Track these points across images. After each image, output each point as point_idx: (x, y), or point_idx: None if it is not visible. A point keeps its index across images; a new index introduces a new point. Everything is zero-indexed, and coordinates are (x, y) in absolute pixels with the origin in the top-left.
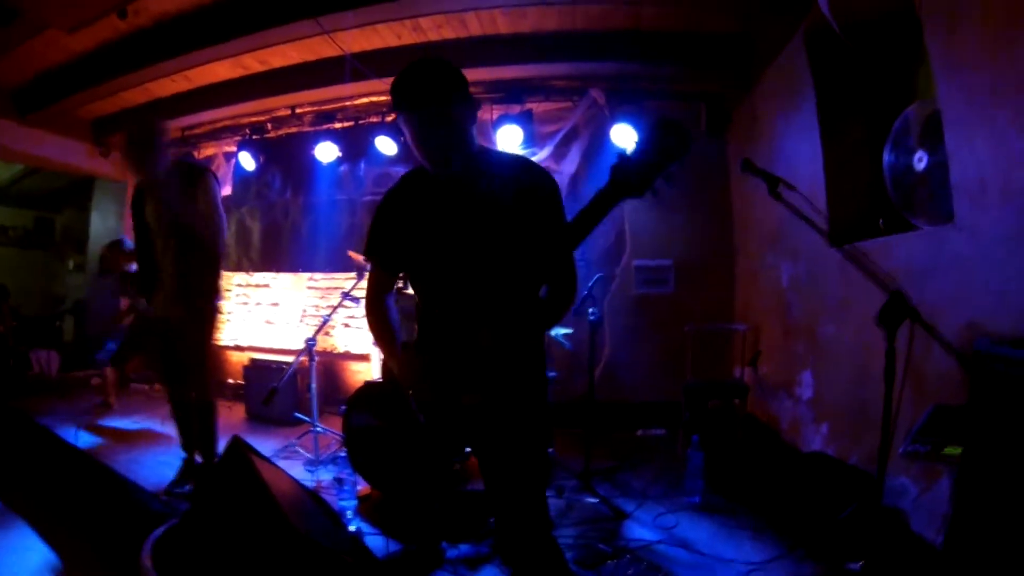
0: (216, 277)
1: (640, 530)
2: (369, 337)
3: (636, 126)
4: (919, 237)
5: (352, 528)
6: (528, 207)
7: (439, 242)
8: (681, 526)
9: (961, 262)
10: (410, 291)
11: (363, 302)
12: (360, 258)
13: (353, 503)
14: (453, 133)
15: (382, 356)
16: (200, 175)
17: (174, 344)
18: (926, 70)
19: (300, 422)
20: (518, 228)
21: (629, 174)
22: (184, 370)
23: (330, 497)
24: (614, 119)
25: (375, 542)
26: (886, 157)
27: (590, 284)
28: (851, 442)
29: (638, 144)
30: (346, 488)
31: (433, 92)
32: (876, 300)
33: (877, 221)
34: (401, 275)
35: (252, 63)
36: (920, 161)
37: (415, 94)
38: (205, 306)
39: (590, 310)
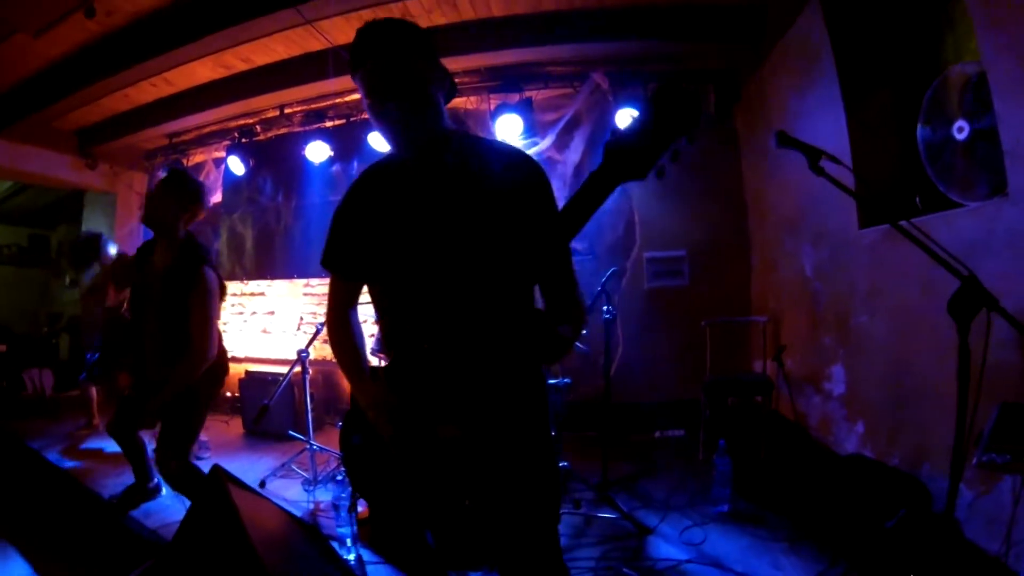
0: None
1: (666, 547)
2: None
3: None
4: (966, 213)
5: (351, 556)
6: (514, 198)
7: (411, 240)
8: (710, 540)
9: (1018, 238)
10: None
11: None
12: None
13: (351, 529)
14: (419, 99)
15: (348, 385)
16: (199, 280)
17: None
18: (954, 36)
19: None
20: (503, 222)
21: (626, 153)
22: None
23: (329, 521)
24: (618, 104)
25: (378, 572)
26: (920, 128)
27: (603, 279)
28: (889, 441)
29: (637, 117)
30: (343, 514)
31: (392, 47)
32: (911, 285)
33: (913, 199)
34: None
35: (235, 61)
36: (960, 131)
37: (371, 50)
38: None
39: (604, 308)
